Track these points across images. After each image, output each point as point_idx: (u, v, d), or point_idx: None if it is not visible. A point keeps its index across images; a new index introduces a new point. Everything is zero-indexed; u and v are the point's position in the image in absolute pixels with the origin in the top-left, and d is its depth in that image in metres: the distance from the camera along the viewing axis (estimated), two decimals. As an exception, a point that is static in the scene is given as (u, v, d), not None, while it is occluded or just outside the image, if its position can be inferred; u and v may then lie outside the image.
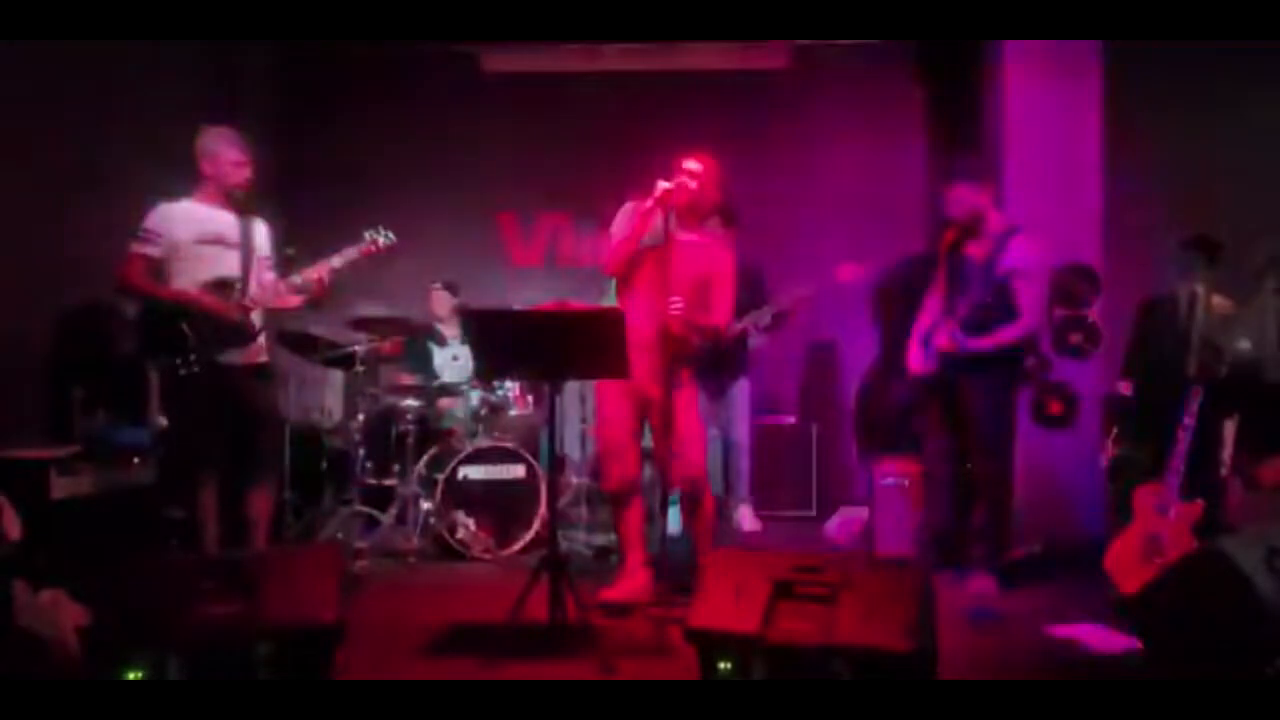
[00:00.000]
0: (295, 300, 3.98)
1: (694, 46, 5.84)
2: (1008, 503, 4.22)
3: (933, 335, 4.15)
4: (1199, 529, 3.76)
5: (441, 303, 5.79)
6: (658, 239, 3.68)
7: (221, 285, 3.84)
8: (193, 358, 3.75)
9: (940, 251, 4.23)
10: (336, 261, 3.96)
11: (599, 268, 4.06)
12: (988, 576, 4.10)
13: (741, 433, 5.58)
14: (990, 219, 4.19)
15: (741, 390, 5.57)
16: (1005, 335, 4.05)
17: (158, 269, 3.81)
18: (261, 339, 3.99)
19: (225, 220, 3.91)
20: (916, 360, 4.25)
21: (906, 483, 4.62)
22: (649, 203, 3.69)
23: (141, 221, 3.81)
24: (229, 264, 3.87)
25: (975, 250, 4.17)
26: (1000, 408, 4.14)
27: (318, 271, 3.93)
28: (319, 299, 4.03)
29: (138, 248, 3.79)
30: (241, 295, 3.87)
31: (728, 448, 5.58)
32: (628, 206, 3.89)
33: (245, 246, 3.91)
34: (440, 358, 5.63)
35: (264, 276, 3.97)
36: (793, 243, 6.08)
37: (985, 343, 4.04)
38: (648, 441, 4.07)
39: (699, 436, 3.97)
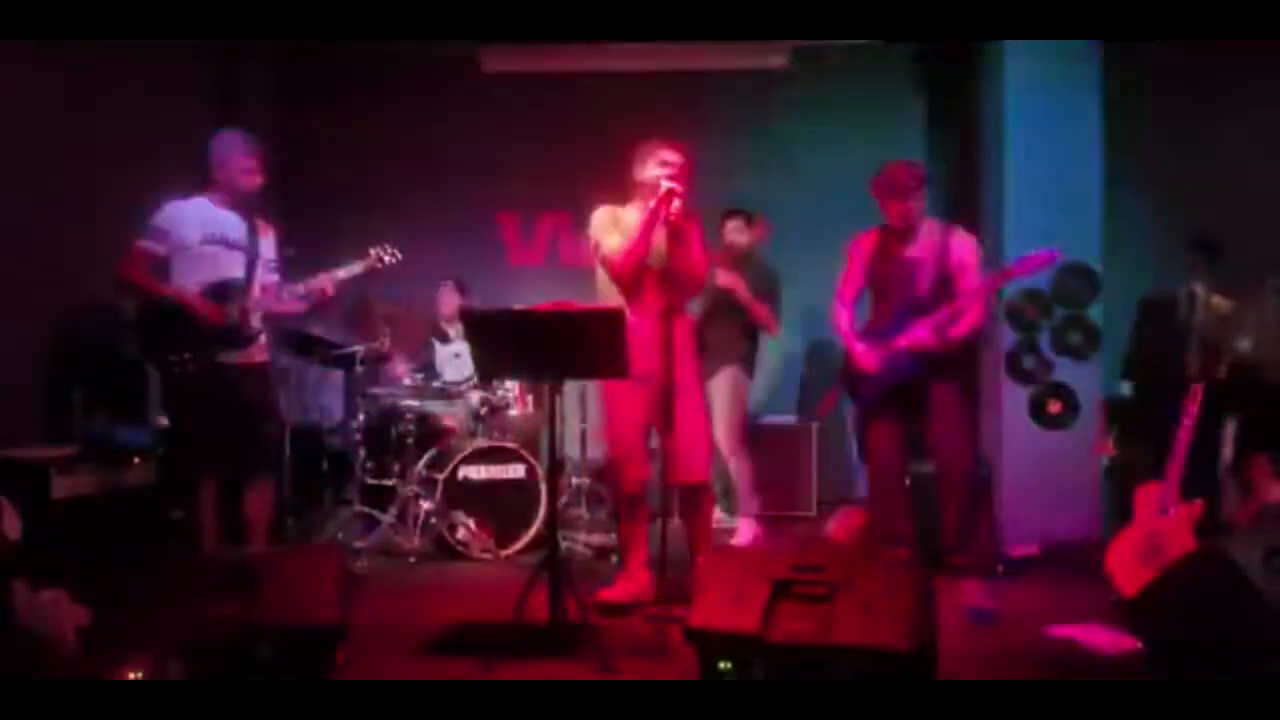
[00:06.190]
0: (297, 306, 4.00)
1: (695, 46, 5.83)
2: (986, 501, 4.23)
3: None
4: (1199, 529, 3.76)
5: (448, 300, 5.81)
6: (659, 245, 3.69)
7: (224, 287, 3.84)
8: (189, 356, 3.76)
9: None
10: (341, 273, 3.99)
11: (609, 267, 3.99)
12: (978, 582, 4.00)
13: (720, 433, 4.96)
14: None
15: (721, 383, 5.07)
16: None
17: (161, 267, 3.83)
18: (262, 339, 4.00)
19: (233, 222, 3.92)
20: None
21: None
22: (654, 202, 3.66)
23: (149, 219, 3.82)
24: (233, 266, 3.88)
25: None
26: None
27: (321, 282, 3.96)
28: (322, 306, 4.07)
29: (142, 243, 3.80)
30: (243, 298, 3.87)
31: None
32: (609, 211, 3.87)
33: (250, 249, 3.93)
34: (442, 354, 5.64)
35: (267, 279, 3.98)
36: (792, 243, 6.07)
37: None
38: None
39: (703, 436, 3.95)
